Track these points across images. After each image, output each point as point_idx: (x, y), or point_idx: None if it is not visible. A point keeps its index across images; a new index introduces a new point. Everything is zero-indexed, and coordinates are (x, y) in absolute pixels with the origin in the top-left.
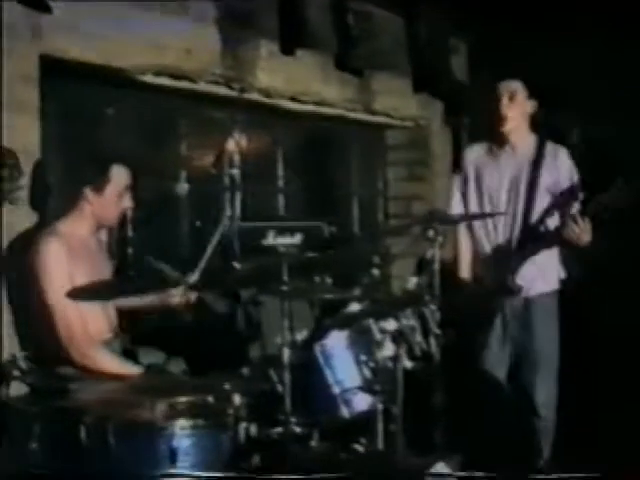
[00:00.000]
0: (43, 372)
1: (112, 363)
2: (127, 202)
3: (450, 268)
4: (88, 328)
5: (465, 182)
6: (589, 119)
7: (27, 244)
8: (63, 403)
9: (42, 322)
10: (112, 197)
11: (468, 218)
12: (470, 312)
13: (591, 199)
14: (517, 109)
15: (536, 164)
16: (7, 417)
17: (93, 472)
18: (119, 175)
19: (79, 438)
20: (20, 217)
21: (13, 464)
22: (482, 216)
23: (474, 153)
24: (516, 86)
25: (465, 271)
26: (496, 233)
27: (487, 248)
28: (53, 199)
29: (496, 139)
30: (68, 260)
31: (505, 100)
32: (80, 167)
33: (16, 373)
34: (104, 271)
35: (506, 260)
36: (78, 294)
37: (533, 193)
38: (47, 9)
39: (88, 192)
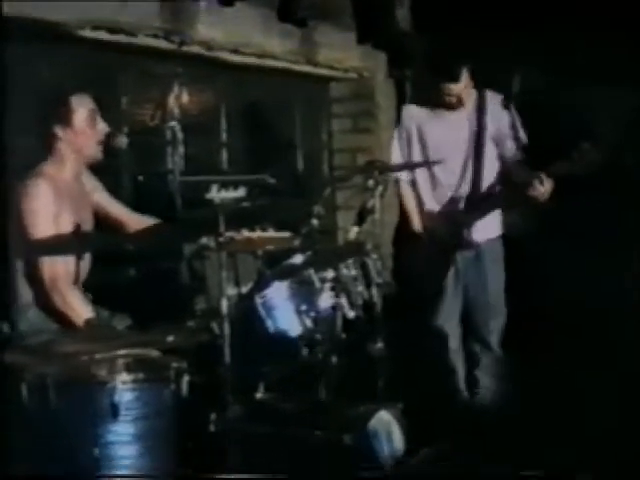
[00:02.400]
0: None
1: (84, 311)
2: (102, 127)
3: (404, 222)
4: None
5: (407, 138)
6: (529, 69)
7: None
8: (3, 360)
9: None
10: (82, 125)
11: (407, 167)
12: (424, 264)
13: (557, 160)
14: (467, 89)
15: (479, 115)
16: None
17: (35, 429)
18: (81, 102)
19: (20, 395)
20: None
21: None
22: (421, 165)
23: (414, 110)
24: (466, 81)
25: (417, 225)
26: (447, 187)
27: (437, 202)
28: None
29: (439, 100)
30: (55, 201)
31: (462, 91)
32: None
33: None
34: (87, 220)
35: (460, 214)
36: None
37: (480, 144)
38: None
39: (57, 129)
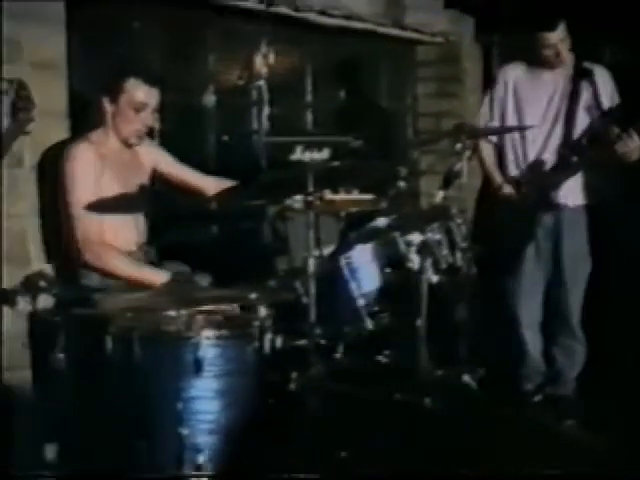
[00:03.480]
0: (69, 283)
1: (129, 267)
2: (148, 120)
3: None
4: (109, 234)
5: (502, 98)
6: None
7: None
8: (89, 313)
9: (65, 226)
10: (126, 109)
11: (495, 131)
12: (507, 226)
13: None
14: (564, 43)
15: (575, 83)
16: (35, 328)
17: (119, 381)
18: (135, 88)
19: (105, 348)
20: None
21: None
22: (508, 129)
23: (513, 70)
24: (564, 32)
25: (499, 182)
26: (535, 146)
27: (524, 162)
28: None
29: (536, 60)
30: (98, 167)
31: (558, 43)
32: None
33: (43, 285)
34: (138, 186)
35: (546, 175)
36: (102, 205)
37: (573, 110)
38: None
39: (105, 101)
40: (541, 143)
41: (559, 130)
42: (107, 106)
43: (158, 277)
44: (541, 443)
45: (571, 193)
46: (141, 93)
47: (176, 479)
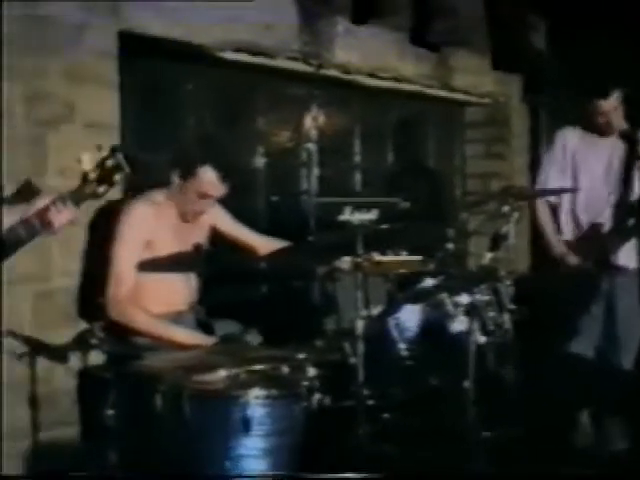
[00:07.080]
0: (119, 341)
1: (155, 326)
2: (208, 207)
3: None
4: (157, 294)
5: (561, 162)
6: None
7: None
8: (139, 370)
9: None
10: (191, 191)
11: (544, 194)
12: (561, 288)
13: None
14: (617, 111)
15: (632, 148)
16: (85, 385)
17: (167, 439)
18: (207, 178)
19: (154, 405)
20: None
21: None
22: (558, 192)
23: (571, 134)
24: (617, 100)
25: (557, 248)
26: (592, 212)
27: (581, 226)
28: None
29: (591, 126)
30: (152, 227)
31: (611, 111)
32: (173, 150)
33: (94, 342)
34: (194, 245)
35: (604, 239)
36: (155, 264)
37: (630, 175)
38: None
39: (175, 176)
40: (599, 207)
41: (616, 194)
42: (175, 178)
43: (186, 337)
44: None
45: (628, 256)
46: (211, 185)
47: None
